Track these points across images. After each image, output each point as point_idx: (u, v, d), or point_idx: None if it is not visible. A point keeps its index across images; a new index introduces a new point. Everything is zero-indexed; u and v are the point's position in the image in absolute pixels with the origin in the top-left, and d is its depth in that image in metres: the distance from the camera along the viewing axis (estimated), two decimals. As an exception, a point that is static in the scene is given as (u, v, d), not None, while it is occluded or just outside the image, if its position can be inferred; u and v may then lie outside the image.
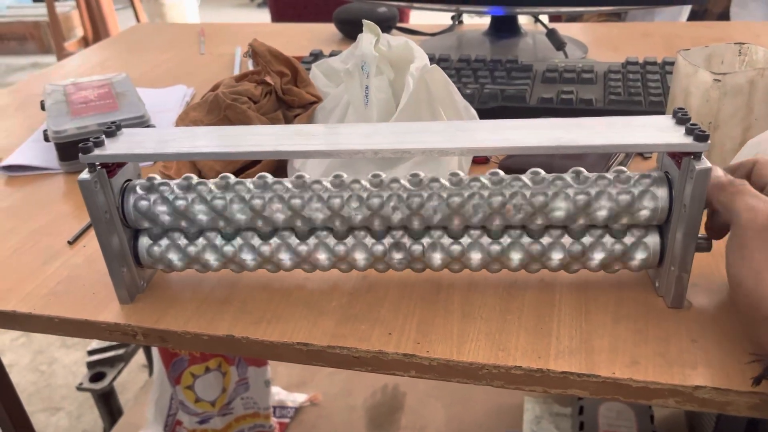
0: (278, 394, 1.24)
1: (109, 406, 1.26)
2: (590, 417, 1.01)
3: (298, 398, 1.25)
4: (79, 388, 1.24)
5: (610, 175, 0.42)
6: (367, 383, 1.30)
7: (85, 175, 0.42)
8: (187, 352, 1.03)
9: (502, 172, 0.43)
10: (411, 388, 1.29)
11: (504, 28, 0.98)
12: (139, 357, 1.47)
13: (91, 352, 1.29)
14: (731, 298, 0.42)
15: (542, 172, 0.42)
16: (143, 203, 0.44)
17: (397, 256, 0.44)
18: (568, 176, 0.42)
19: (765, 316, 0.35)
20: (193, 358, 1.04)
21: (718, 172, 0.40)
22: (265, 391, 1.15)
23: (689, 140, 0.38)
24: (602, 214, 0.42)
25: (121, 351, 1.30)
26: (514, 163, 0.59)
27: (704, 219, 0.42)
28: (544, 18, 0.99)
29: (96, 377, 1.25)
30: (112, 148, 0.42)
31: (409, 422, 1.22)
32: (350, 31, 1.07)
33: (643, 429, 0.97)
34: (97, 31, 3.13)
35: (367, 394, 1.28)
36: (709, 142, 0.38)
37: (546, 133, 0.41)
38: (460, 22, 1.10)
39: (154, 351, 1.09)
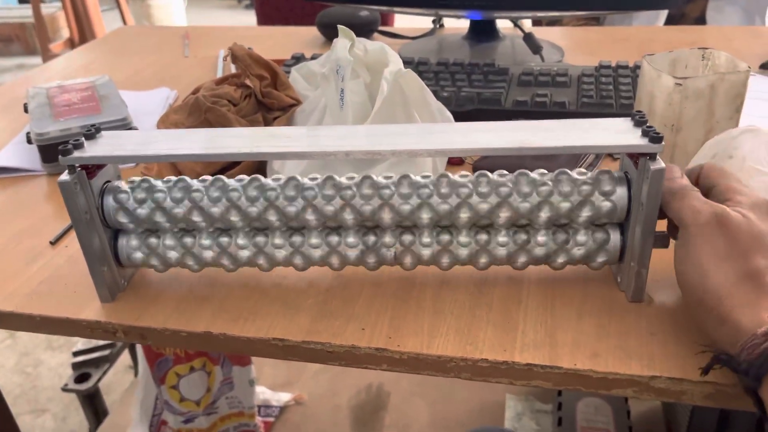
0: (263, 393, 1.26)
1: (94, 407, 1.27)
2: (568, 413, 1.03)
3: (283, 398, 1.26)
4: (64, 389, 1.24)
5: (573, 175, 0.44)
6: (351, 383, 1.31)
7: (64, 176, 0.43)
8: (171, 352, 1.04)
9: (470, 174, 0.45)
10: (395, 387, 1.30)
11: (483, 32, 1.00)
12: (125, 358, 1.47)
13: (76, 354, 1.30)
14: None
15: (507, 173, 0.44)
16: (122, 204, 0.46)
17: (371, 260, 0.46)
18: (532, 176, 0.44)
19: (710, 308, 0.37)
20: (177, 358, 1.05)
21: (676, 174, 0.42)
22: (250, 391, 1.16)
23: (644, 142, 0.40)
24: (565, 212, 0.43)
25: (106, 352, 1.30)
26: (488, 164, 0.61)
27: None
28: (527, 21, 1.01)
29: (81, 378, 1.26)
30: (92, 150, 0.44)
31: (393, 421, 1.23)
32: (332, 34, 1.09)
33: (619, 424, 0.99)
34: (83, 33, 3.12)
35: (352, 393, 1.29)
36: (663, 143, 0.40)
37: (512, 136, 0.43)
38: (441, 25, 1.12)
39: (139, 351, 1.09)
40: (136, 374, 1.33)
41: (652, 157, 0.40)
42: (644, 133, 0.41)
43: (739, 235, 0.38)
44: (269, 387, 1.29)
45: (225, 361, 1.10)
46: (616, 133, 0.42)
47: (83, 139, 0.45)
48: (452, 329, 0.44)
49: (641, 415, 1.13)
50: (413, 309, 0.47)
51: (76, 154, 0.43)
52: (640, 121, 0.42)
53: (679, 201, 0.40)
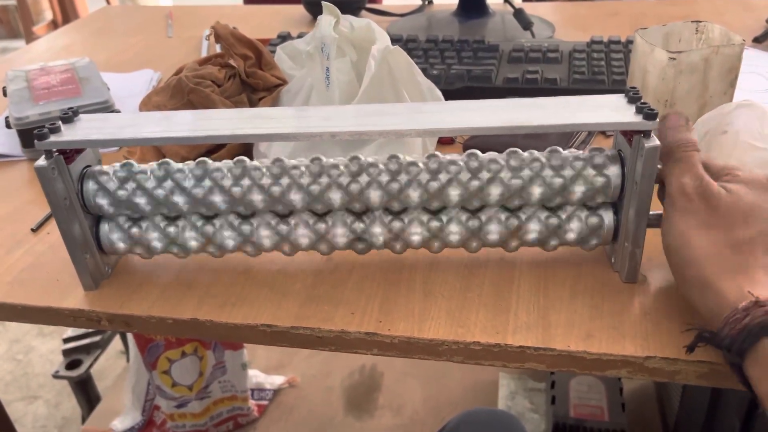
0: (256, 376, 1.25)
1: (86, 393, 1.26)
2: (562, 391, 1.03)
3: (276, 380, 1.26)
4: (56, 376, 1.23)
5: (564, 154, 0.43)
6: (344, 364, 1.31)
7: (41, 162, 0.41)
8: (162, 338, 1.03)
9: (457, 154, 0.44)
10: (388, 368, 1.30)
11: (472, 8, 0.98)
12: (116, 343, 1.47)
13: (66, 340, 1.29)
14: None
15: (496, 154, 0.43)
16: (102, 189, 0.44)
17: (360, 245, 0.45)
18: (523, 156, 0.43)
19: (692, 275, 0.37)
20: (168, 343, 1.04)
21: (680, 122, 0.40)
22: (243, 374, 1.15)
23: (639, 119, 0.39)
24: (557, 191, 0.43)
25: (97, 338, 1.29)
26: (478, 143, 0.60)
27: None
28: (515, -3, 0.99)
29: (72, 365, 1.25)
30: (69, 134, 0.42)
31: (387, 401, 1.23)
32: (319, 12, 1.06)
33: (612, 401, 1.00)
34: (66, 14, 3.07)
35: (345, 374, 1.29)
36: (657, 120, 0.39)
37: (503, 114, 0.42)
38: (430, 2, 1.09)
39: (130, 337, 1.09)
40: (128, 359, 1.32)
41: (647, 134, 0.39)
42: (638, 110, 0.39)
43: (721, 209, 0.38)
44: (262, 370, 1.28)
45: (217, 345, 1.10)
46: (609, 110, 0.41)
47: (60, 122, 0.43)
48: (443, 312, 0.44)
49: (633, 392, 1.13)
50: (403, 292, 0.46)
51: (53, 138, 0.42)
52: (634, 98, 0.41)
53: (673, 164, 0.40)
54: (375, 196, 0.43)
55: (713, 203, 0.38)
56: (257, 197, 0.44)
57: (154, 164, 0.45)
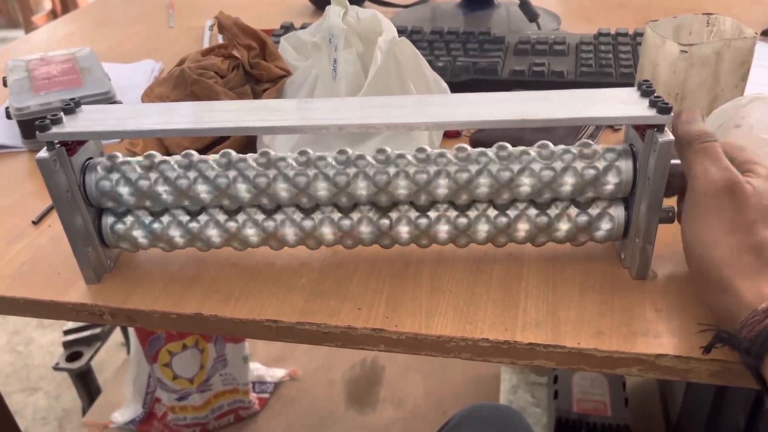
0: (257, 369, 1.25)
1: (87, 385, 1.26)
2: (564, 386, 1.02)
3: (277, 373, 1.26)
4: (56, 368, 1.23)
5: (575, 149, 0.42)
6: (346, 357, 1.31)
7: (42, 153, 0.41)
8: (163, 330, 1.02)
9: (468, 147, 0.43)
10: (390, 361, 1.30)
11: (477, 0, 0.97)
12: (117, 336, 1.46)
13: (67, 332, 1.28)
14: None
15: (508, 146, 0.42)
16: (105, 182, 0.44)
17: (365, 230, 0.44)
18: (533, 150, 0.42)
19: (714, 279, 0.36)
20: (169, 336, 1.03)
21: (696, 117, 0.40)
22: (244, 367, 1.15)
23: (652, 113, 0.38)
24: (567, 187, 0.42)
25: (97, 330, 1.29)
26: (485, 136, 0.59)
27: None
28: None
29: (73, 357, 1.24)
30: (71, 125, 0.41)
31: (388, 395, 1.23)
32: (322, 3, 1.05)
33: (615, 396, 0.99)
34: (65, 4, 3.05)
35: (346, 368, 1.29)
36: (671, 114, 0.38)
37: (512, 107, 0.41)
38: (434, -7, 1.08)
39: (131, 329, 1.08)
40: (128, 352, 1.32)
41: (660, 128, 0.38)
42: (652, 104, 0.39)
43: (747, 207, 0.37)
44: (263, 363, 1.28)
45: (218, 338, 1.09)
46: (621, 103, 0.40)
47: (62, 114, 0.42)
48: (451, 308, 0.43)
49: (637, 387, 1.13)
50: (410, 287, 0.45)
51: (55, 129, 0.41)
52: (647, 91, 0.40)
53: (695, 154, 0.38)
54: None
55: (742, 201, 0.36)
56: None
57: (156, 158, 0.45)
